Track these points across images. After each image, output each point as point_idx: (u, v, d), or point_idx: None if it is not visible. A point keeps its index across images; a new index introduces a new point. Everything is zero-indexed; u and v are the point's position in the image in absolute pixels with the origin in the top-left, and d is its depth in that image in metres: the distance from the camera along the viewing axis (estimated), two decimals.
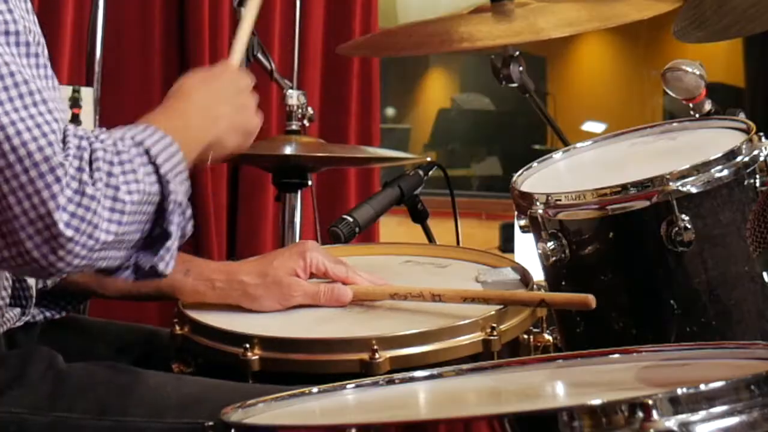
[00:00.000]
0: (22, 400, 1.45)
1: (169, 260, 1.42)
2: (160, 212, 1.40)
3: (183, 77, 1.58)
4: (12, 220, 1.29)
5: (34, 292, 1.70)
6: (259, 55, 2.65)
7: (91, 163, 1.33)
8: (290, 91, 2.59)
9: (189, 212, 1.44)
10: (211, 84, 1.59)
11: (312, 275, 1.71)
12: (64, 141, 1.32)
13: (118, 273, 1.42)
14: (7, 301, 1.64)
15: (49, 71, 1.37)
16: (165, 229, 1.40)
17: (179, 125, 1.48)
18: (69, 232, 1.29)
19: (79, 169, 1.31)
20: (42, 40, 1.40)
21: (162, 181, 1.39)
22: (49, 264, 1.31)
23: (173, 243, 1.42)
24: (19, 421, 1.43)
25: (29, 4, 1.42)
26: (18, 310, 1.68)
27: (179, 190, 1.41)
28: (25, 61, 1.34)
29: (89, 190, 1.31)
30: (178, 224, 1.41)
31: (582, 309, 1.70)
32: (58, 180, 1.29)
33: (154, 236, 1.41)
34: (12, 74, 1.31)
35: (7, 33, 1.33)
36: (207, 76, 1.61)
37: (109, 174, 1.34)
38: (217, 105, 1.56)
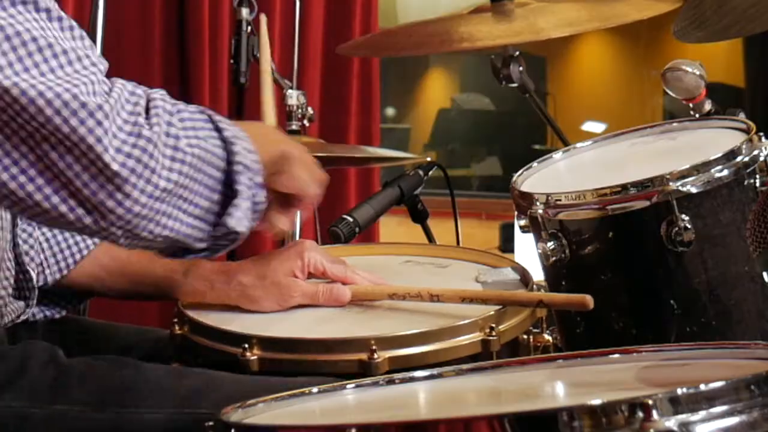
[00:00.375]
0: (22, 394, 1.45)
1: (240, 217, 1.41)
2: (228, 175, 1.39)
3: None
4: (65, 170, 1.27)
5: (35, 284, 1.70)
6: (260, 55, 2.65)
7: (148, 110, 1.31)
8: (290, 91, 2.59)
9: (259, 179, 1.42)
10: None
11: (310, 275, 1.71)
12: (110, 89, 1.29)
13: (194, 253, 1.42)
14: (10, 291, 1.64)
15: (77, 32, 1.33)
16: (234, 189, 1.39)
17: (253, 130, 1.48)
18: (124, 173, 1.27)
19: (133, 113, 1.29)
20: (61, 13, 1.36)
21: (226, 143, 1.38)
22: (109, 210, 1.29)
23: (242, 202, 1.40)
24: (19, 415, 1.43)
25: None
26: (21, 303, 1.68)
27: (246, 154, 1.40)
28: (47, 24, 1.30)
29: (146, 132, 1.29)
30: (247, 185, 1.40)
31: (580, 310, 1.69)
32: (99, 123, 1.26)
33: (225, 198, 1.40)
34: (35, 39, 1.27)
35: (24, 3, 1.28)
36: None
37: (169, 123, 1.32)
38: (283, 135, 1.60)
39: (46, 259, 1.76)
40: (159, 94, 1.35)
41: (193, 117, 1.37)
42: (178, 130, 1.34)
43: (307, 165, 1.58)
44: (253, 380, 1.51)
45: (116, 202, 1.29)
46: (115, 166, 1.27)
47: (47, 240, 1.76)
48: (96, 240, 1.77)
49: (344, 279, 1.71)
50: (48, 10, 1.31)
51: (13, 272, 1.64)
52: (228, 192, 1.40)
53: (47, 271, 1.76)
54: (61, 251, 1.76)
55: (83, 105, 1.26)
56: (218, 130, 1.39)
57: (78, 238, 1.78)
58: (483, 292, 1.69)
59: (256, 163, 1.42)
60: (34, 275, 1.71)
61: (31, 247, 1.73)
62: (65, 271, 1.77)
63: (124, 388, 1.48)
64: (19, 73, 1.24)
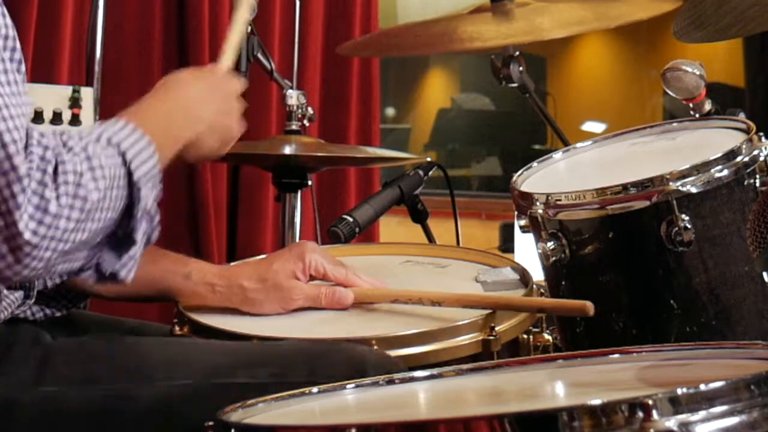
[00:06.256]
0: (7, 379, 1.44)
1: (131, 267, 1.41)
2: (128, 218, 1.39)
3: (172, 73, 1.58)
4: None
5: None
6: (259, 55, 2.65)
7: (56, 175, 1.30)
8: (290, 91, 2.59)
9: (156, 219, 1.43)
10: (199, 83, 1.59)
11: (311, 277, 1.71)
12: (26, 148, 1.29)
13: (79, 274, 1.41)
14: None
15: (11, 76, 1.33)
16: (131, 236, 1.39)
17: (161, 124, 1.48)
18: (28, 248, 1.28)
19: (41, 183, 1.29)
20: (10, 33, 1.36)
21: (133, 187, 1.38)
22: (11, 274, 1.31)
23: (137, 251, 1.41)
24: (6, 399, 1.42)
25: (3, 8, 1.38)
26: (20, 293, 1.67)
27: (149, 196, 1.40)
28: None
29: (52, 207, 1.29)
30: (144, 232, 1.41)
31: (580, 315, 1.70)
32: (23, 190, 1.27)
33: (119, 238, 1.40)
34: None
35: None
36: (196, 75, 1.61)
37: (78, 185, 1.32)
38: (201, 105, 1.56)
39: None
40: (68, 151, 1.33)
41: (104, 164, 1.35)
42: (87, 187, 1.33)
43: (217, 131, 1.57)
44: (241, 346, 1.51)
45: (14, 271, 1.30)
46: (25, 236, 1.27)
47: None
48: None
49: (345, 281, 1.70)
50: None
51: None
52: (124, 226, 1.40)
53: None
54: None
55: (14, 168, 1.27)
56: (129, 170, 1.38)
57: None
58: (484, 297, 1.69)
59: (155, 199, 1.42)
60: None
61: None
62: (65, 277, 1.76)
63: (111, 363, 1.47)
64: None
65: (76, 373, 1.46)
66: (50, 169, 1.30)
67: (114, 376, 1.45)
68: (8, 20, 1.37)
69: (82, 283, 1.78)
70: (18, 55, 1.36)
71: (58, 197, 1.30)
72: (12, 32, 1.36)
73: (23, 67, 1.37)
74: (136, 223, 1.39)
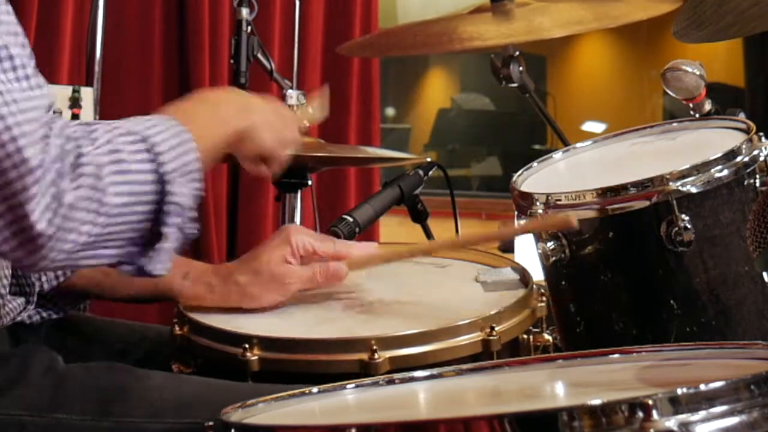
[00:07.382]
0: (21, 402, 1.44)
1: (160, 262, 1.40)
2: (157, 212, 1.37)
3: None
4: None
5: (34, 281, 1.70)
6: (259, 55, 2.65)
7: (75, 167, 1.29)
8: (290, 91, 2.59)
9: (191, 214, 1.40)
10: (245, 94, 1.61)
11: (302, 259, 1.70)
12: (44, 139, 1.28)
13: (118, 267, 1.40)
14: (9, 289, 1.63)
15: (29, 70, 1.32)
16: (159, 229, 1.38)
17: (204, 114, 1.48)
18: (43, 240, 1.27)
19: (59, 174, 1.28)
20: (18, 29, 1.36)
21: (161, 181, 1.36)
22: (30, 264, 1.30)
23: (166, 245, 1.39)
24: (18, 423, 1.42)
25: (9, 6, 1.38)
26: (22, 299, 1.67)
27: (182, 191, 1.38)
28: None
29: (68, 197, 1.28)
30: (176, 226, 1.38)
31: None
32: (36, 182, 1.26)
33: (150, 233, 1.38)
34: None
35: None
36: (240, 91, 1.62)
37: (97, 177, 1.30)
38: (250, 99, 1.57)
39: None
40: (91, 144, 1.32)
41: (128, 158, 1.34)
42: (106, 180, 1.31)
43: (272, 126, 1.57)
44: (252, 387, 1.50)
45: (35, 259, 1.30)
46: (37, 228, 1.26)
47: None
48: None
49: (335, 254, 1.70)
50: None
51: (11, 269, 1.64)
52: (154, 227, 1.39)
53: (44, 278, 1.75)
54: None
55: (24, 161, 1.25)
56: (157, 166, 1.36)
57: None
58: (473, 235, 1.68)
59: (193, 193, 1.40)
60: (33, 279, 1.71)
61: None
62: (62, 278, 1.76)
63: (123, 396, 1.47)
64: None
65: (88, 402, 1.45)
66: (70, 160, 1.29)
67: (126, 410, 1.45)
68: (13, 17, 1.36)
69: (81, 285, 1.78)
70: (27, 49, 1.36)
71: (76, 188, 1.29)
72: (19, 29, 1.36)
73: (33, 62, 1.36)
74: (164, 216, 1.37)
